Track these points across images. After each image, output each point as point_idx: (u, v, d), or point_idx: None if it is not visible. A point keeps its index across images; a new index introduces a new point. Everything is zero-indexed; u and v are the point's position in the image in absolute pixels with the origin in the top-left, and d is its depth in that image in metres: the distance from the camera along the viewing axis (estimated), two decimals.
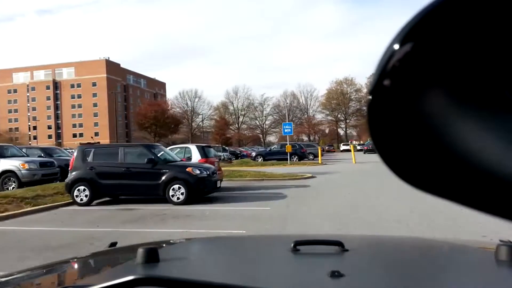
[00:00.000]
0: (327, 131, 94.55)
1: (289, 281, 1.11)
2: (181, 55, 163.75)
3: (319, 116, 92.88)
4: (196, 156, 13.60)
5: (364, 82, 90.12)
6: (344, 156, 44.09)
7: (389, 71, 0.27)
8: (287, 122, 29.09)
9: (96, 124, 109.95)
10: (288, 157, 27.95)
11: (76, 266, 1.47)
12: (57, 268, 1.43)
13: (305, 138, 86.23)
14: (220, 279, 1.09)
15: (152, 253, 1.15)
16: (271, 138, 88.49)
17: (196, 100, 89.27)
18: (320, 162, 28.67)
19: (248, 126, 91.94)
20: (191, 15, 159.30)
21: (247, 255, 1.52)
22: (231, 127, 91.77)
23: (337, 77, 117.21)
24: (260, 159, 31.85)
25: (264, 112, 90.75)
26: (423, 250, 1.57)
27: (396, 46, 0.26)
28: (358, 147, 52.25)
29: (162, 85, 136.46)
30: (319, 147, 32.38)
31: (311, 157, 35.25)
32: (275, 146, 34.81)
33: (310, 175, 17.80)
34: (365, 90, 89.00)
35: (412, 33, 0.26)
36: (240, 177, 16.92)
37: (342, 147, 63.97)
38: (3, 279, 1.16)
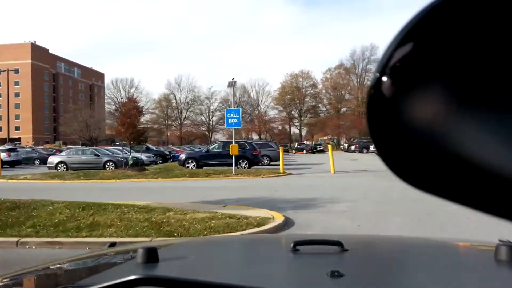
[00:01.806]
0: (280, 128, 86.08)
1: (289, 281, 1.11)
2: (127, 49, 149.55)
3: (271, 113, 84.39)
4: None
5: (319, 77, 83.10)
6: (308, 159, 34.92)
7: (389, 71, 0.27)
8: (233, 108, 19.17)
9: (17, 117, 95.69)
10: (234, 162, 18.12)
11: (76, 266, 1.46)
12: (57, 268, 1.43)
13: (255, 136, 77.12)
14: (220, 279, 1.05)
15: (152, 253, 1.15)
16: (219, 136, 78.69)
17: (132, 90, 77.55)
18: (282, 170, 19.12)
19: (192, 122, 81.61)
20: (142, 9, 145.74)
21: (247, 255, 1.54)
22: (173, 122, 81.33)
23: (292, 70, 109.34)
24: (192, 164, 21.56)
25: (211, 107, 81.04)
26: (423, 250, 1.55)
27: (397, 46, 0.26)
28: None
29: (100, 76, 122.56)
30: (281, 148, 22.34)
31: (266, 161, 25.66)
32: (215, 145, 24.18)
33: (273, 217, 7.34)
34: (320, 86, 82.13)
35: (412, 33, 0.26)
36: None
37: (297, 147, 56.05)
38: (4, 279, 1.17)
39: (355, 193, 10.96)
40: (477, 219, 6.28)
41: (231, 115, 18.10)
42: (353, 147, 50.90)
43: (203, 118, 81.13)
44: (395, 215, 7.71)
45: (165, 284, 0.73)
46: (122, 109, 22.05)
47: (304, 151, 55.26)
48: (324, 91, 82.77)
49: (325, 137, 78.30)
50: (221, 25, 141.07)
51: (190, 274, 1.10)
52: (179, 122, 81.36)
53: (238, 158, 20.45)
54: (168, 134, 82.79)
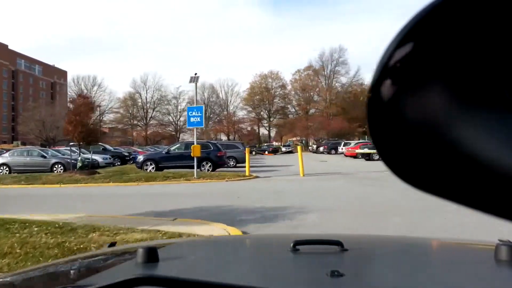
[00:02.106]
0: (249, 129, 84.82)
1: (288, 281, 1.10)
2: (92, 47, 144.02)
3: (240, 113, 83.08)
4: None
5: (289, 78, 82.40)
6: (276, 161, 33.77)
7: (390, 71, 0.27)
8: (195, 106, 17.61)
9: None
10: (195, 164, 16.60)
11: (75, 266, 1.45)
12: (57, 268, 1.43)
13: (223, 137, 75.57)
14: (220, 279, 1.06)
15: (152, 253, 1.14)
16: (187, 137, 76.52)
17: (95, 88, 74.29)
18: (248, 173, 17.74)
19: (159, 122, 79.14)
20: (109, 6, 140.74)
21: (247, 254, 1.54)
22: (139, 122, 78.53)
23: (261, 70, 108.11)
24: (151, 167, 19.79)
25: (179, 107, 78.79)
26: (423, 249, 1.55)
27: (397, 46, 0.26)
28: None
29: (62, 74, 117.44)
30: (247, 149, 20.83)
31: (232, 162, 24.23)
32: (177, 145, 22.13)
33: (229, 234, 6.23)
34: (289, 87, 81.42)
35: (412, 33, 0.26)
36: None
37: (257, 149, 55.21)
38: (3, 279, 1.16)
39: (328, 200, 9.72)
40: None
41: (193, 113, 16.59)
42: (321, 148, 50.39)
43: (170, 118, 78.96)
44: (378, 228, 6.46)
45: (165, 284, 0.74)
46: (71, 106, 20.01)
47: (266, 152, 54.61)
48: (293, 92, 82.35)
49: (294, 138, 77.76)
50: (190, 24, 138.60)
51: (190, 274, 1.11)
52: (145, 122, 78.65)
53: (201, 160, 18.93)
54: (134, 134, 79.83)
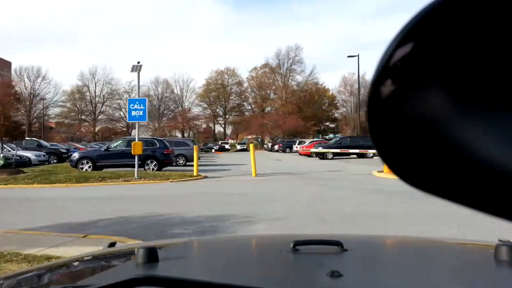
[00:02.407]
0: (204, 126, 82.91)
1: (288, 281, 1.11)
2: (40, 38, 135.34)
3: (195, 110, 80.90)
4: None
5: (245, 76, 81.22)
6: (229, 159, 32.51)
7: (390, 70, 0.27)
8: (137, 98, 15.88)
9: None
10: (136, 163, 14.97)
11: (75, 266, 1.46)
12: (57, 268, 1.43)
13: (178, 134, 73.25)
14: (220, 279, 1.06)
15: (152, 253, 1.15)
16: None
17: (39, 80, 69.40)
18: (195, 173, 16.30)
19: (109, 117, 75.41)
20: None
21: (246, 254, 1.52)
22: (87, 117, 74.43)
23: (218, 67, 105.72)
24: (87, 166, 17.80)
25: None
26: (423, 250, 1.55)
27: (397, 46, 0.26)
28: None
29: (6, 64, 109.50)
30: (195, 146, 19.18)
31: (182, 161, 22.66)
32: (119, 142, 19.75)
33: None
34: (246, 84, 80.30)
35: (413, 32, 0.26)
36: None
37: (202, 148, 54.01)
38: (3, 280, 1.17)
39: (281, 205, 8.56)
40: None
41: (135, 106, 14.92)
42: (276, 147, 49.64)
43: (121, 113, 75.27)
44: None
45: (165, 284, 0.74)
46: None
47: (213, 150, 53.58)
48: (249, 89, 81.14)
49: (250, 136, 76.76)
50: (145, 20, 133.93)
51: (190, 274, 1.11)
52: (93, 117, 74.69)
53: (145, 158, 17.30)
54: (83, 130, 75.53)
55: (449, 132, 0.26)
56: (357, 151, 28.13)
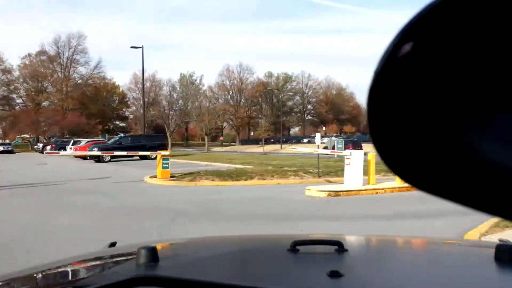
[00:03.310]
0: None
1: (288, 281, 1.11)
2: None
3: None
4: None
5: (16, 63, 68.21)
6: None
7: (389, 70, 0.27)
8: None
9: None
10: None
11: (75, 266, 1.44)
12: (57, 268, 1.39)
13: None
14: (220, 279, 1.07)
15: (152, 253, 1.15)
16: None
17: None
18: None
19: None
20: None
21: (246, 254, 1.52)
22: None
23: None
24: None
25: None
26: (423, 250, 1.56)
27: (396, 46, 0.26)
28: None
29: None
30: None
31: None
32: None
33: None
34: (17, 73, 67.74)
35: (412, 32, 0.26)
36: None
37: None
38: (3, 279, 1.16)
39: None
40: None
41: None
42: (48, 148, 42.09)
43: None
44: None
45: (165, 284, 0.74)
46: None
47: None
48: (21, 79, 68.53)
49: (25, 135, 64.84)
50: None
51: (190, 274, 1.12)
52: None
53: None
54: None
55: (450, 132, 0.26)
56: (136, 153, 25.18)
